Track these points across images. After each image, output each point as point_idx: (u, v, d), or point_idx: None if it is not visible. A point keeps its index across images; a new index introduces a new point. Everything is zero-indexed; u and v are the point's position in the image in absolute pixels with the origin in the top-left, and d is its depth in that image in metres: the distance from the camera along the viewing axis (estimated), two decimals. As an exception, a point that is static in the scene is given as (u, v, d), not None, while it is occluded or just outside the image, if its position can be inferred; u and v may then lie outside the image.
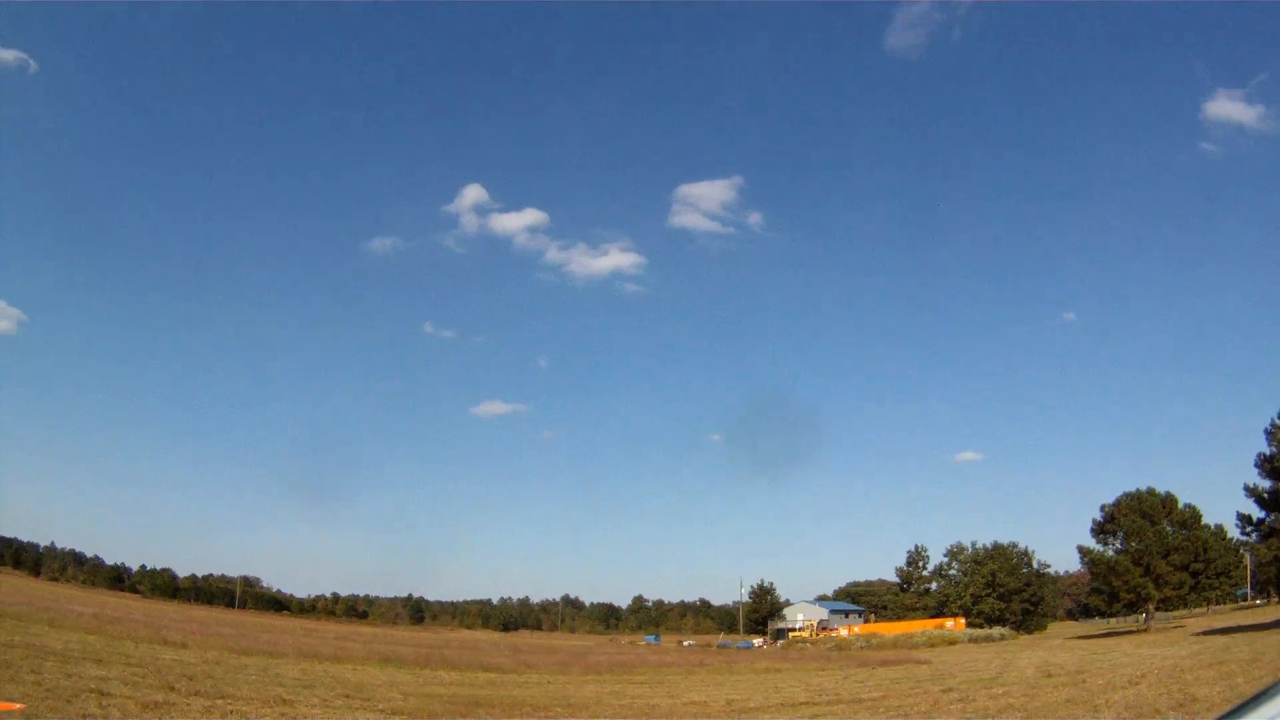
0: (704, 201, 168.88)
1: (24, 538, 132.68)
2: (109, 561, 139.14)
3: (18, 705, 7.56)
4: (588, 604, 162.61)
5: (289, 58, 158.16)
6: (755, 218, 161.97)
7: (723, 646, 78.24)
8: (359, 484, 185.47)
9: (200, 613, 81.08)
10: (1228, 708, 1.52)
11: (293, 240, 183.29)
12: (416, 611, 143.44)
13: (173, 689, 14.06)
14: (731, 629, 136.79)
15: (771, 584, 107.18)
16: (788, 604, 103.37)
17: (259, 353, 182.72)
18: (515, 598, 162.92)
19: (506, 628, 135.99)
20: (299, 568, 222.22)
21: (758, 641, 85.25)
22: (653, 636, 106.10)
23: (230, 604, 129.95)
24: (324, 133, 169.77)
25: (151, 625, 34.82)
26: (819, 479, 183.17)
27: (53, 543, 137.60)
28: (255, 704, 13.85)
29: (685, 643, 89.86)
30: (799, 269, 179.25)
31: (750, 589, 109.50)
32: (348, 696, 16.40)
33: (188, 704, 12.67)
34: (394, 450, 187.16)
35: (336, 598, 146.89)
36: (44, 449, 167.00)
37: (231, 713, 12.48)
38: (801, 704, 19.42)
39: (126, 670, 15.92)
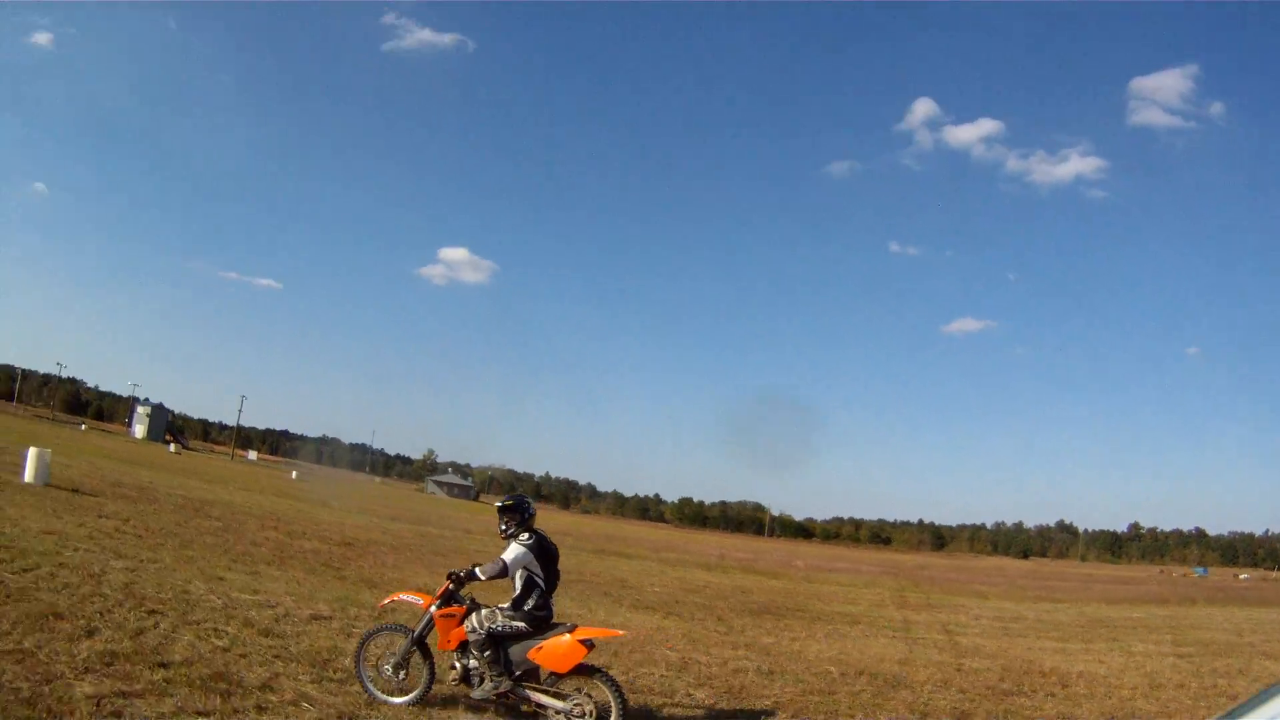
0: (1161, 94, 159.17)
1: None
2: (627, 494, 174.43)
3: (620, 632, 8.06)
4: (1080, 530, 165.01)
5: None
6: (1217, 108, 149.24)
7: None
8: (832, 406, 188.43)
9: (771, 544, 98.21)
10: (1228, 708, 1.53)
11: (753, 170, 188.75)
12: (937, 538, 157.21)
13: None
14: (1233, 561, 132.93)
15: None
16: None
17: (730, 283, 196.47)
18: (1009, 522, 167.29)
19: (1026, 555, 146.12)
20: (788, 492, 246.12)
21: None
22: (1201, 569, 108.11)
23: (759, 531, 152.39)
24: (773, 64, 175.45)
25: (898, 573, 46.75)
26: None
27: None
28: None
29: (1241, 576, 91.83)
30: (1268, 159, 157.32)
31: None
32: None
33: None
34: (864, 370, 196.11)
35: (857, 523, 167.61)
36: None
37: None
38: None
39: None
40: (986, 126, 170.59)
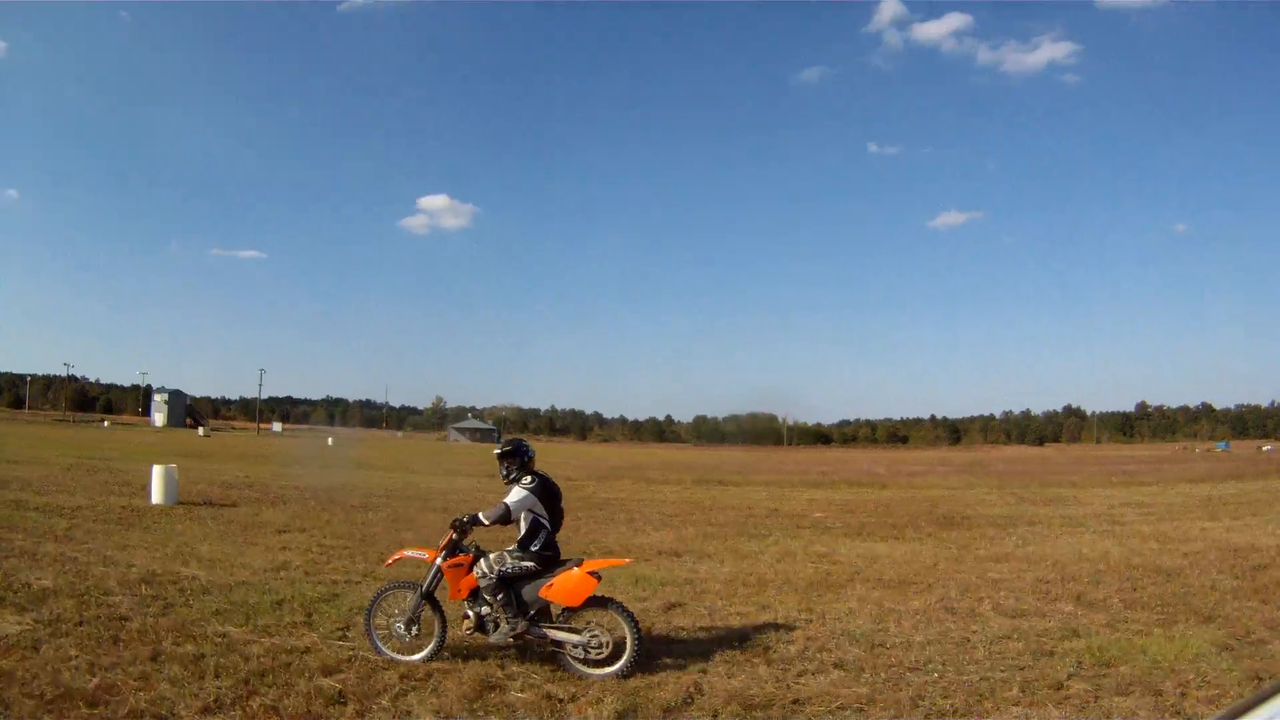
0: None
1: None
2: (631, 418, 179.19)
3: (626, 560, 8.05)
4: (1089, 412, 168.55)
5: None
6: None
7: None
8: (826, 311, 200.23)
9: (817, 454, 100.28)
10: (1228, 708, 1.53)
11: (725, 85, 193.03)
12: (952, 432, 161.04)
13: None
14: (1244, 433, 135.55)
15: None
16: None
17: (712, 197, 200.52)
18: (1016, 410, 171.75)
19: (1041, 441, 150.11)
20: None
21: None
22: (1223, 444, 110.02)
23: (777, 442, 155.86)
24: None
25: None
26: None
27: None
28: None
29: (1265, 448, 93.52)
30: (1244, 38, 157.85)
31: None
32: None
33: None
34: (855, 272, 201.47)
35: (872, 425, 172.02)
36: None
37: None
38: None
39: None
40: (955, 20, 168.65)
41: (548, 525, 6.69)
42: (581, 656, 6.33)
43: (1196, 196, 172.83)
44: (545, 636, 6.48)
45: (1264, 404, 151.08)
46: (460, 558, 6.70)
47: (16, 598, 8.33)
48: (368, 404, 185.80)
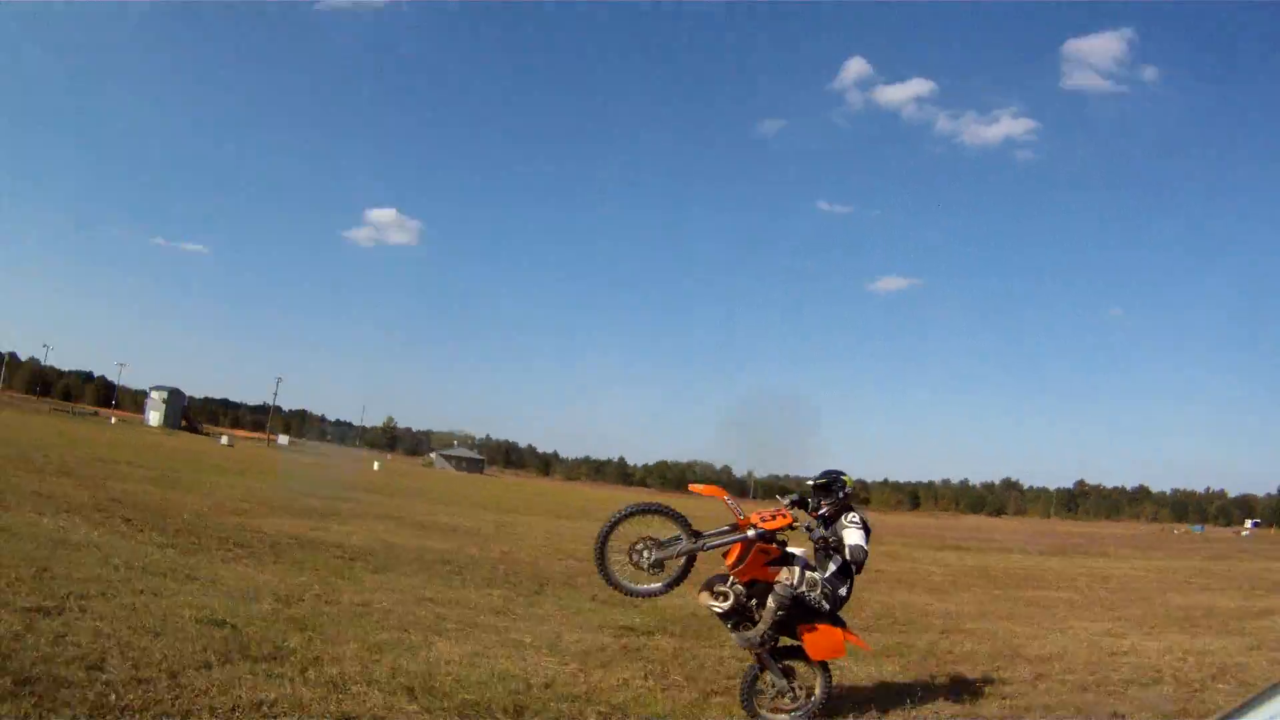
0: (1094, 57, 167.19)
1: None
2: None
3: (869, 646, 7.40)
4: (1026, 486, 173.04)
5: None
6: (1149, 73, 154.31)
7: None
8: (752, 360, 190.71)
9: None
10: (1228, 708, 1.54)
11: (683, 127, 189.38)
12: (913, 497, 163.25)
13: None
14: (1184, 517, 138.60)
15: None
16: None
17: (663, 238, 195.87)
18: (954, 479, 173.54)
19: (998, 512, 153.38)
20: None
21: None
22: (1198, 526, 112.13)
23: (743, 493, 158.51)
24: (708, 21, 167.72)
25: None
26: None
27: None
28: None
29: (1243, 533, 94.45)
30: (1202, 127, 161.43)
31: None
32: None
33: None
34: (789, 327, 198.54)
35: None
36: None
37: None
38: None
39: None
40: (918, 86, 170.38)
41: (854, 571, 6.22)
42: (770, 698, 6.16)
43: (1134, 284, 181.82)
44: (773, 667, 6.16)
45: (1198, 489, 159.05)
46: (772, 547, 6.12)
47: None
48: (308, 415, 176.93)
